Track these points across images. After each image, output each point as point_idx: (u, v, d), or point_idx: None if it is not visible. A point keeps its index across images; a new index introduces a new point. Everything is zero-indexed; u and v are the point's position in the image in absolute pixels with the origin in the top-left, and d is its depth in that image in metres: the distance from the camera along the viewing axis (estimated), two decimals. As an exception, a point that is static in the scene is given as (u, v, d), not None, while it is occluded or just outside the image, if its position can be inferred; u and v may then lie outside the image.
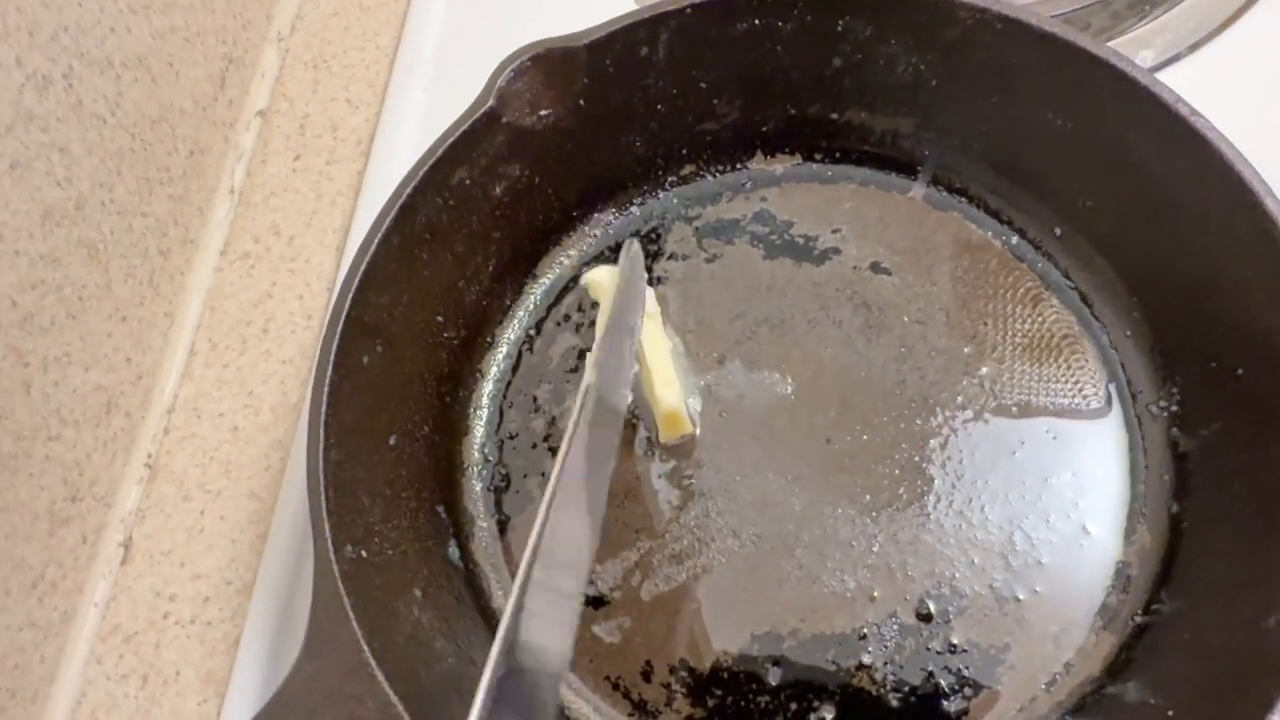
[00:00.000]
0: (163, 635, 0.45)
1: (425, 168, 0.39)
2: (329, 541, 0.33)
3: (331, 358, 0.36)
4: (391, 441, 0.39)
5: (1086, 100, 0.39)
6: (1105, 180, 0.40)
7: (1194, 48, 0.47)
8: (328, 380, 0.36)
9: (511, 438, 0.42)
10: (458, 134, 0.40)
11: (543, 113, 0.42)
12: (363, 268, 0.38)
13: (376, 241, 0.38)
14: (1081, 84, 0.38)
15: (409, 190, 0.39)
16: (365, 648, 0.32)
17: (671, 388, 0.40)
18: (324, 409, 0.35)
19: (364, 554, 0.35)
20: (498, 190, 0.42)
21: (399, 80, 0.53)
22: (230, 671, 0.43)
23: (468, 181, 0.41)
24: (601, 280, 0.41)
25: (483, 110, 0.40)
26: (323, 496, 0.34)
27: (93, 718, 0.44)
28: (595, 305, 0.43)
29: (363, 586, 0.34)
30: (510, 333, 0.44)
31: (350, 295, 0.37)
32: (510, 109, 0.41)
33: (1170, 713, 0.32)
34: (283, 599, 0.44)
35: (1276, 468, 0.33)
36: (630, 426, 0.42)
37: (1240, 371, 0.35)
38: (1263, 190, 0.34)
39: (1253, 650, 0.30)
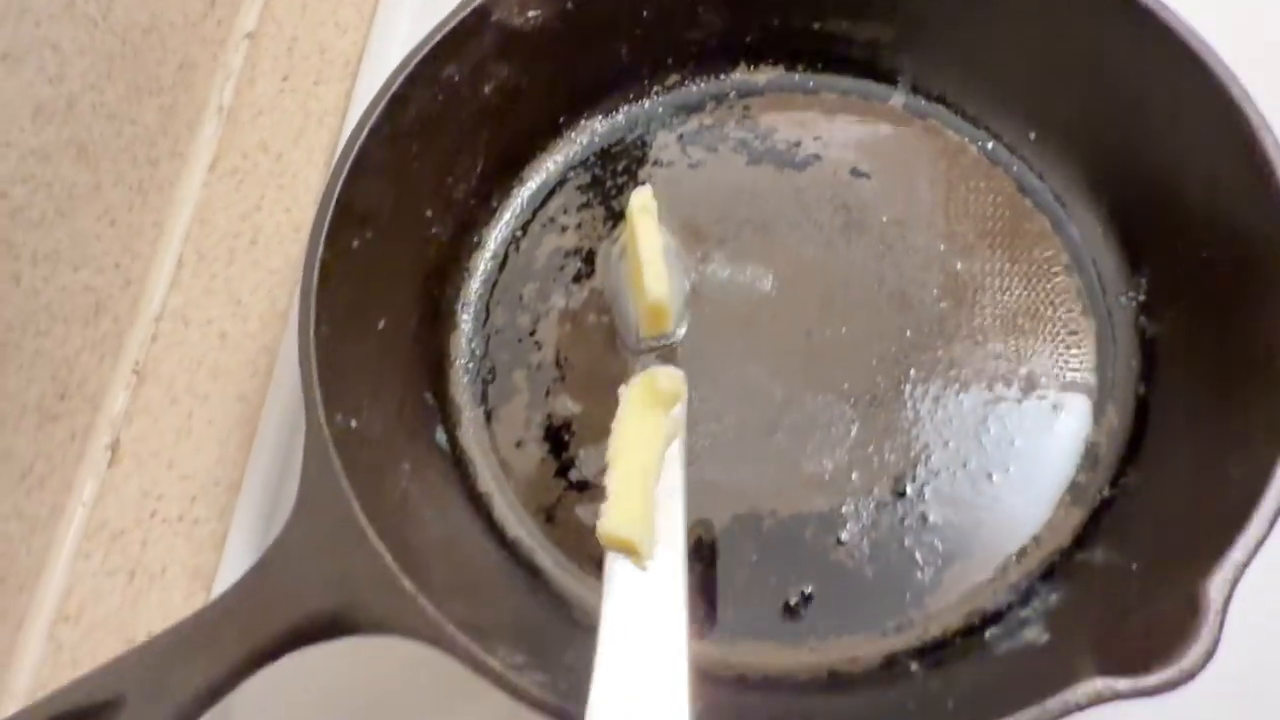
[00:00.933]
0: (150, 533, 0.45)
1: (417, 59, 0.40)
2: (320, 404, 0.34)
3: (323, 236, 0.37)
4: (380, 326, 0.40)
5: (1061, 4, 0.40)
6: (1078, 82, 0.41)
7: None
8: (319, 257, 0.37)
9: (498, 333, 0.43)
10: (449, 28, 0.40)
11: (531, 14, 0.42)
12: (354, 154, 0.38)
13: (368, 129, 0.39)
14: (1055, -12, 0.40)
15: (400, 80, 0.40)
16: (355, 504, 0.33)
17: (661, 282, 0.40)
18: (314, 283, 0.36)
19: (354, 424, 0.36)
20: (486, 90, 0.43)
21: (387, 2, 0.54)
22: (217, 567, 0.44)
23: (457, 78, 0.41)
24: (644, 202, 0.41)
25: (473, 6, 0.41)
26: (314, 362, 0.35)
27: (80, 610, 0.44)
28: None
29: (352, 453, 0.35)
30: (497, 233, 0.45)
31: (341, 179, 0.38)
32: (499, 7, 0.42)
33: (1134, 566, 0.33)
34: (270, 497, 0.44)
35: (1238, 336, 0.35)
36: (611, 325, 0.43)
37: (1205, 253, 0.37)
38: (1226, 76, 0.35)
39: (1214, 502, 0.31)
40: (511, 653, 0.31)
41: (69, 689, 0.31)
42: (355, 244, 0.39)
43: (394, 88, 0.39)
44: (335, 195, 0.38)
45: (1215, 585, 0.29)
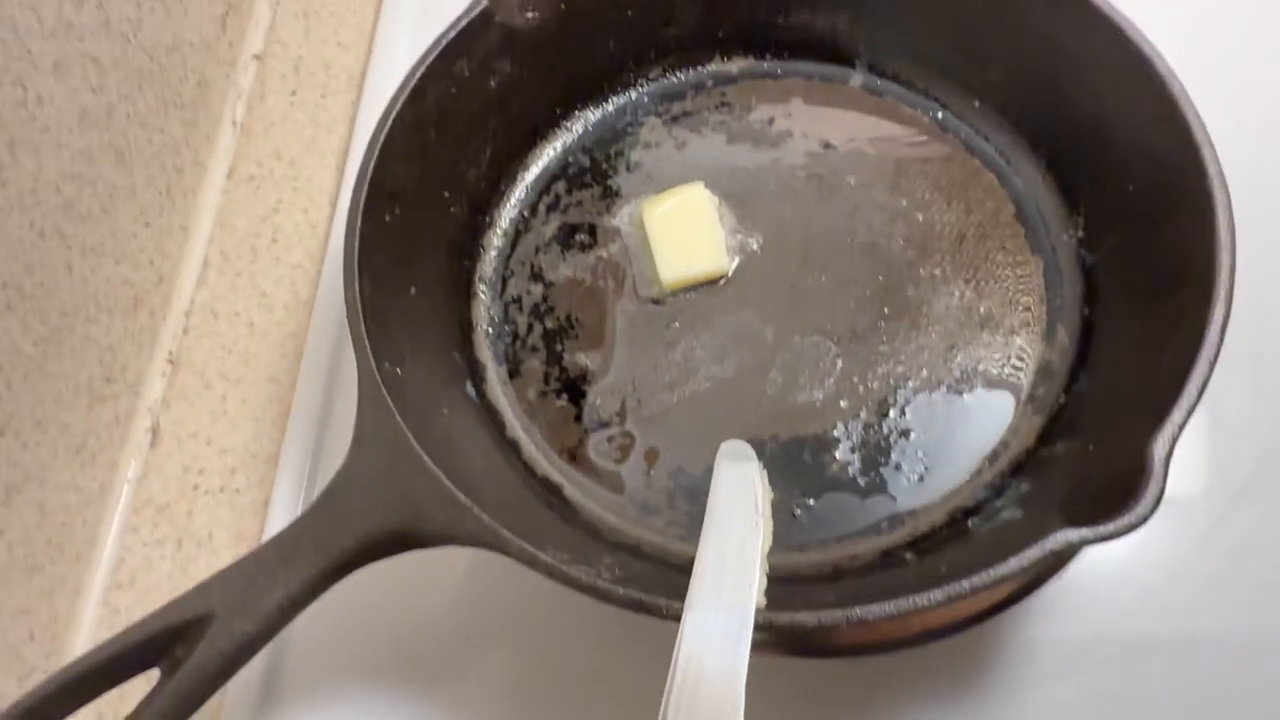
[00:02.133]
0: (194, 504, 0.49)
1: (432, 56, 0.45)
2: (368, 347, 0.38)
3: (360, 209, 0.41)
4: (412, 292, 0.44)
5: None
6: (1011, 51, 0.47)
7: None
8: (359, 227, 0.41)
9: (515, 301, 0.48)
10: (458, 29, 0.45)
11: (530, 15, 0.48)
12: (382, 137, 0.43)
13: (393, 116, 0.43)
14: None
15: (420, 73, 0.44)
16: (409, 435, 0.37)
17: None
18: (357, 248, 0.40)
19: (399, 371, 0.40)
20: (492, 83, 0.48)
21: (387, 18, 0.59)
22: (261, 530, 0.47)
23: (467, 73, 0.46)
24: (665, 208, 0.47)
25: (478, 9, 0.46)
26: (360, 313, 0.39)
27: (132, 577, 0.47)
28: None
29: (399, 395, 0.39)
30: (507, 213, 0.50)
31: (373, 159, 0.42)
32: (501, 9, 0.47)
33: (1091, 447, 0.38)
34: (308, 462, 0.48)
35: (1163, 253, 0.40)
36: (621, 276, 0.48)
37: (1131, 188, 0.42)
38: (1136, 34, 0.41)
39: (1154, 386, 0.37)
40: (559, 552, 0.36)
41: (162, 610, 0.35)
42: (387, 218, 0.43)
43: (413, 80, 0.44)
44: (369, 174, 0.42)
45: (1159, 445, 0.34)
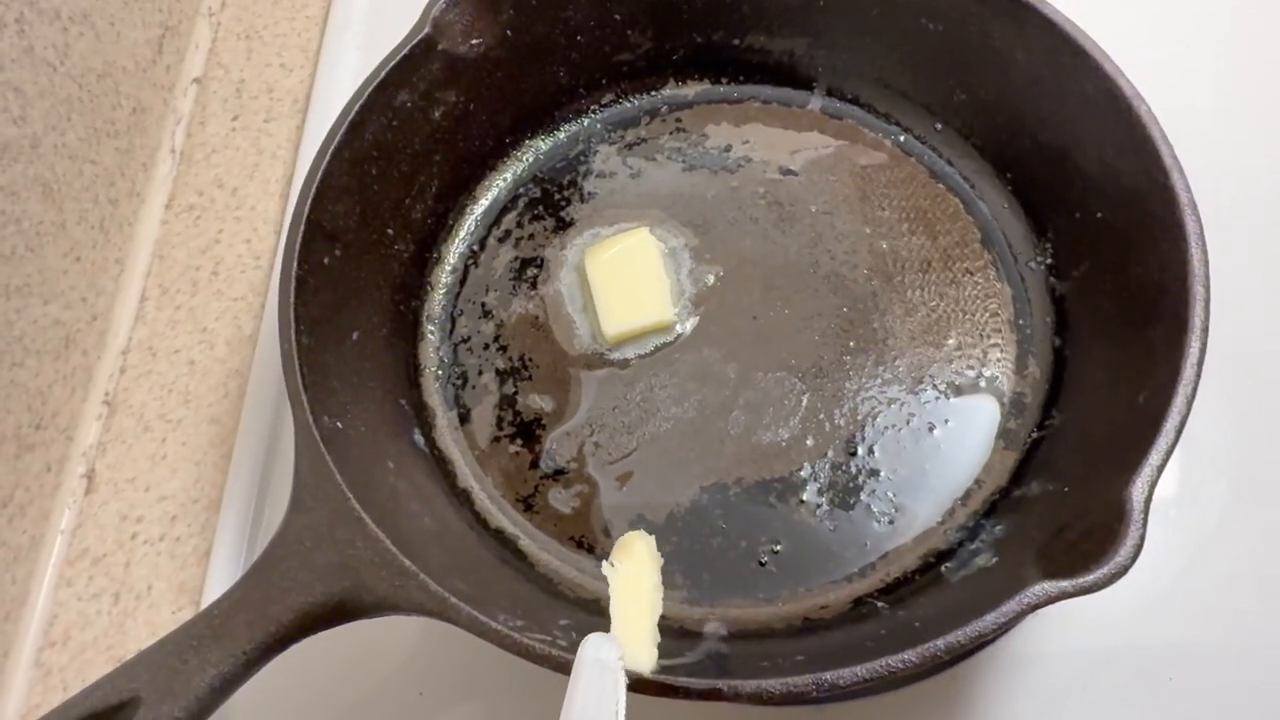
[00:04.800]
0: (132, 555, 0.46)
1: (371, 88, 0.43)
2: (306, 405, 0.36)
3: (296, 252, 0.39)
4: (354, 337, 0.42)
5: (952, 2, 0.45)
6: (973, 73, 0.45)
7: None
8: (294, 272, 0.39)
9: (465, 341, 0.46)
10: (398, 58, 0.43)
11: (474, 41, 0.46)
12: (319, 176, 0.41)
13: (330, 154, 0.41)
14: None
15: (357, 108, 0.42)
16: (350, 496, 0.35)
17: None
18: (292, 295, 0.38)
19: (339, 425, 0.38)
20: (437, 114, 0.45)
21: (332, 38, 0.57)
22: (203, 581, 0.45)
23: (409, 104, 0.44)
24: (608, 257, 0.45)
25: (420, 37, 0.44)
26: (298, 367, 0.37)
27: (67, 636, 0.45)
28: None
29: (341, 452, 0.36)
30: (455, 248, 0.48)
31: (309, 199, 0.40)
32: (445, 37, 0.45)
33: (1066, 489, 0.37)
34: (252, 509, 0.46)
35: (1135, 283, 0.39)
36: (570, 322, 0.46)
37: (1100, 214, 0.41)
38: (1101, 56, 0.40)
39: (1129, 425, 0.35)
40: (511, 619, 0.34)
41: (83, 694, 0.32)
42: (326, 260, 0.41)
43: (351, 115, 0.42)
44: (305, 215, 0.40)
45: (1137, 490, 0.32)
